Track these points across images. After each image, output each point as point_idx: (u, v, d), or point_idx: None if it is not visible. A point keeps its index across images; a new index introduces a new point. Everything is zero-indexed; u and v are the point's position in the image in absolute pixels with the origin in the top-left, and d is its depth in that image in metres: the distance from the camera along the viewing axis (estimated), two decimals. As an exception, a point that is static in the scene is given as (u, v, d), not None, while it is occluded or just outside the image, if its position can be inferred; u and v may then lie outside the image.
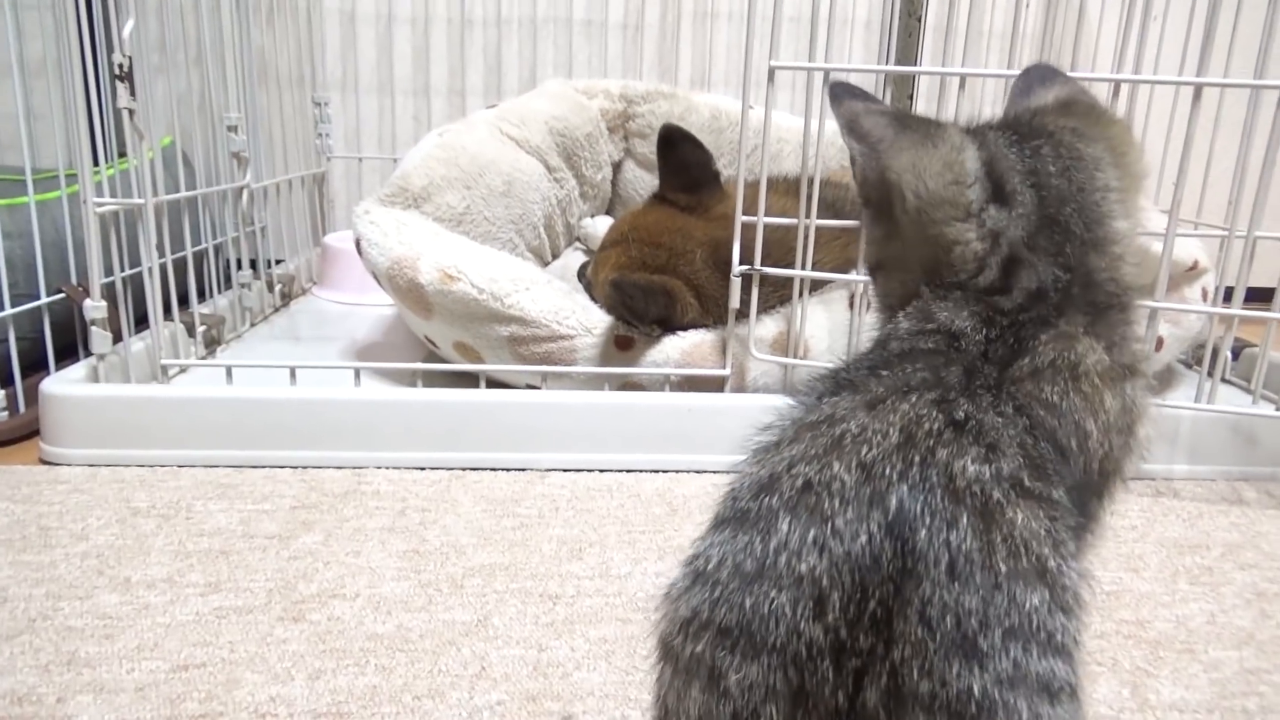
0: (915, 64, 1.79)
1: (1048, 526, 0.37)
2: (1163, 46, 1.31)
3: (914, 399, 0.39)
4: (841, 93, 0.52)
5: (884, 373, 0.41)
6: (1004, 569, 0.35)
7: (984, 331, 0.42)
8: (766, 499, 0.38)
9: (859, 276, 0.99)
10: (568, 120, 1.45)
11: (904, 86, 1.80)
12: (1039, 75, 0.53)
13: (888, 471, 0.36)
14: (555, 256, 1.49)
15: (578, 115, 1.47)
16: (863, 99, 0.51)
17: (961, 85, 0.96)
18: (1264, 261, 1.04)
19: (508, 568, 0.76)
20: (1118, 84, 0.90)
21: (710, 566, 0.38)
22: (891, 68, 1.80)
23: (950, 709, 0.34)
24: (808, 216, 0.97)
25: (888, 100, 1.82)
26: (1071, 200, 0.44)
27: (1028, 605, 0.35)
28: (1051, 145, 0.46)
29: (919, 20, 1.80)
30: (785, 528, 0.36)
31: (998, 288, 0.43)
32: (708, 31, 1.79)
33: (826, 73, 0.95)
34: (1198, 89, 0.92)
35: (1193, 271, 1.12)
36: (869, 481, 0.36)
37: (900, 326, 0.44)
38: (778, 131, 1.51)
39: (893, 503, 0.36)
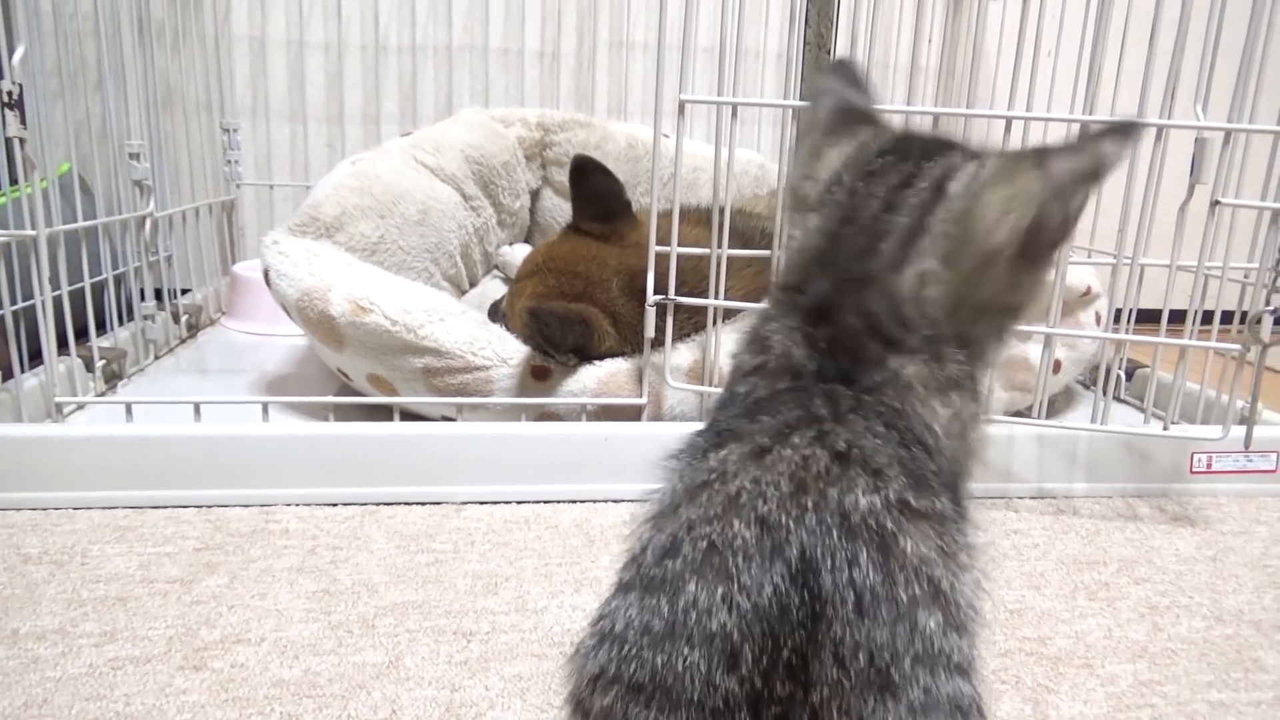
0: (826, 95, 1.84)
1: (937, 545, 0.37)
2: (1055, 81, 1.38)
3: (796, 440, 0.39)
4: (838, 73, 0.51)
5: (762, 418, 0.41)
6: (904, 597, 0.36)
7: (812, 353, 0.43)
8: (670, 563, 0.38)
9: (771, 305, 1.01)
10: (484, 148, 1.44)
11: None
12: None
13: (784, 520, 0.37)
14: (473, 285, 1.48)
15: (494, 143, 1.46)
16: (852, 86, 0.50)
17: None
18: (1152, 286, 1.09)
19: (421, 605, 0.75)
20: (1009, 120, 0.94)
21: (618, 628, 0.38)
22: (799, 103, 1.84)
23: None
24: (719, 246, 0.99)
25: (793, 133, 1.86)
26: (869, 225, 0.44)
27: (927, 629, 0.36)
28: (918, 167, 0.44)
29: (828, 53, 1.86)
30: (693, 588, 0.37)
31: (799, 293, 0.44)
32: (624, 61, 1.81)
33: (734, 106, 0.97)
34: (1084, 126, 0.97)
35: (1086, 297, 1.17)
36: (768, 534, 0.37)
37: (743, 359, 0.45)
38: (694, 160, 1.53)
39: (793, 551, 0.36)
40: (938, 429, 0.41)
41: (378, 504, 0.93)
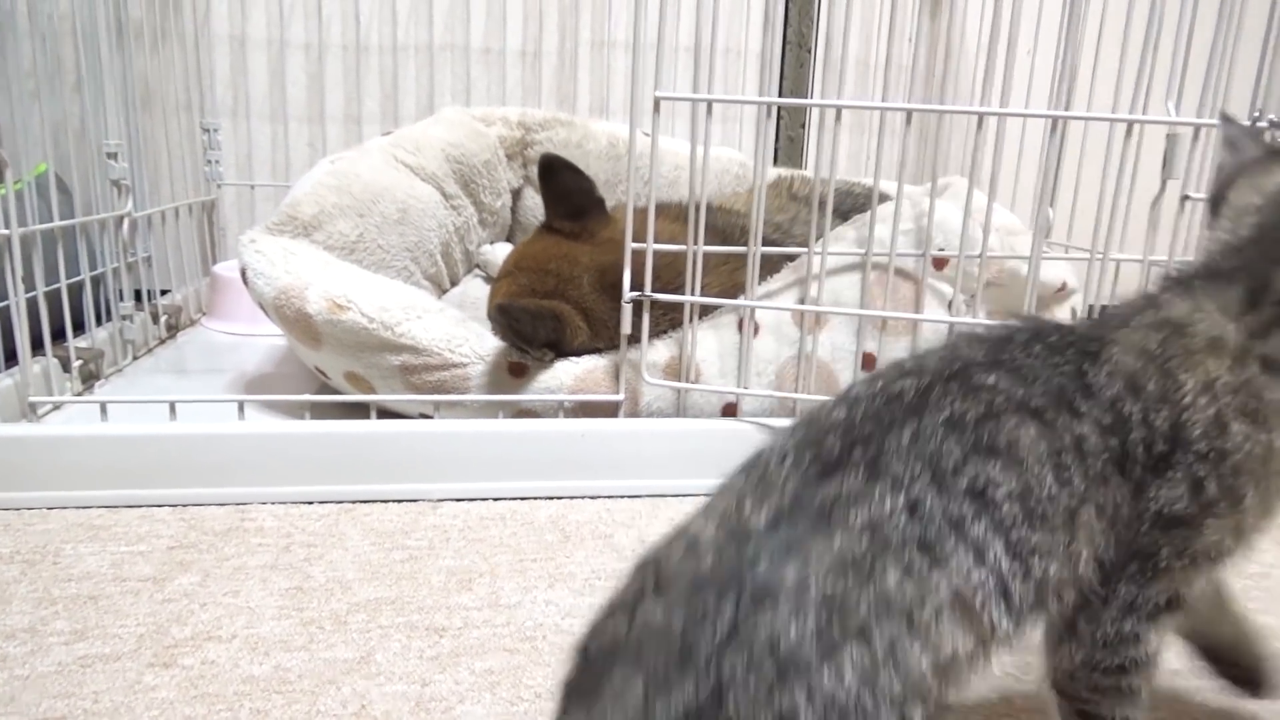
0: (808, 95, 1.85)
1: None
2: (1034, 79, 1.39)
3: None
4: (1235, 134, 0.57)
5: None
6: None
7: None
8: None
9: (747, 301, 1.01)
10: (465, 147, 1.44)
11: (797, 116, 1.86)
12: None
13: None
14: (454, 284, 1.48)
15: (475, 142, 1.46)
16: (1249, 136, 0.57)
17: (838, 117, 0.99)
18: (1128, 281, 1.10)
19: (394, 601, 0.75)
20: (981, 116, 0.95)
21: None
22: (775, 99, 1.85)
23: None
24: (695, 243, 0.99)
25: (776, 130, 1.87)
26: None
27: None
28: None
29: (808, 51, 1.86)
30: None
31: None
32: (605, 60, 1.81)
33: (709, 103, 0.97)
34: (1054, 121, 0.97)
35: (1061, 293, 1.18)
36: None
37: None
38: (675, 158, 1.54)
39: None
40: (1182, 380, 0.45)
41: (354, 501, 0.93)
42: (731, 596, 0.37)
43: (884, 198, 1.20)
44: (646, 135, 1.40)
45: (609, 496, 0.97)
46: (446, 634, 0.71)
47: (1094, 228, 1.04)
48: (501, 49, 1.77)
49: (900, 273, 1.04)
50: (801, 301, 1.03)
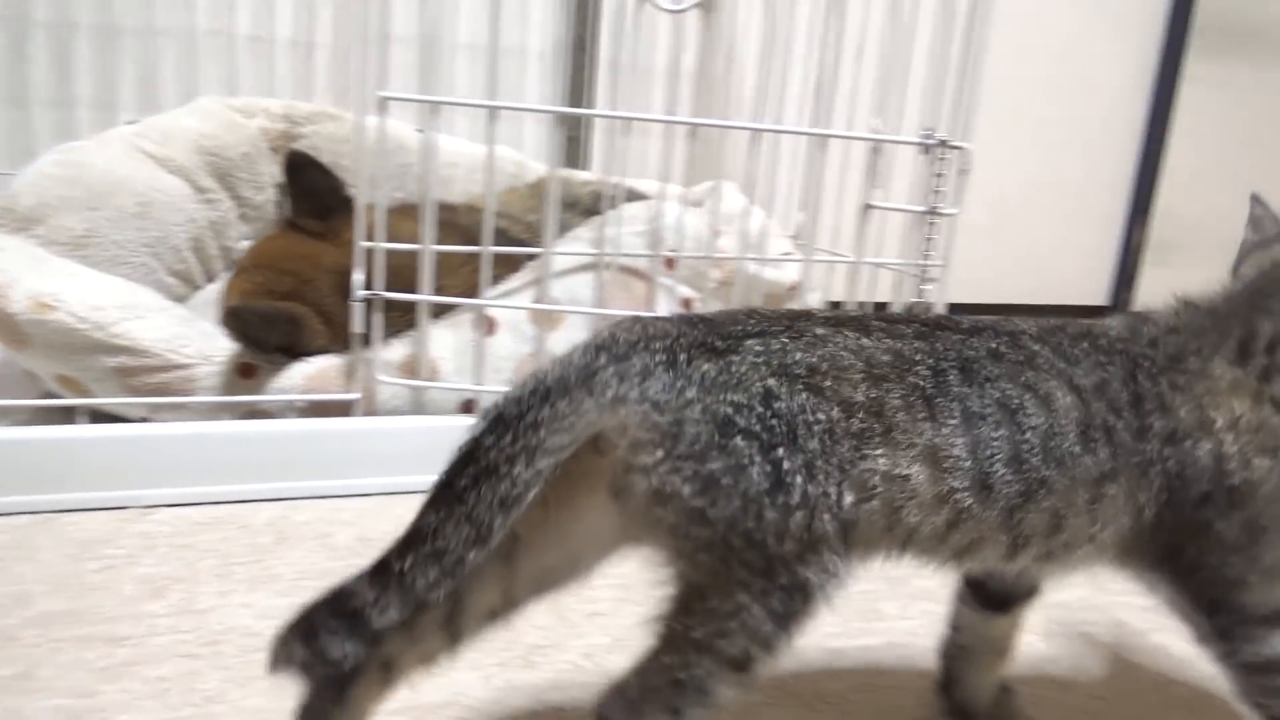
0: (585, 97, 1.89)
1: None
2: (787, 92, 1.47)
3: None
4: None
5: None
6: None
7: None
8: None
9: (479, 300, 1.03)
10: (220, 139, 1.39)
11: (574, 125, 1.89)
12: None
13: None
14: (211, 280, 1.43)
15: (232, 134, 1.41)
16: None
17: (626, 128, 1.03)
18: (883, 281, 1.19)
19: (75, 613, 0.73)
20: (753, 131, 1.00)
21: None
22: (501, 104, 1.87)
23: None
24: (429, 242, 1.00)
25: (560, 138, 1.89)
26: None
27: None
28: None
29: (586, 53, 1.90)
30: None
31: None
32: (382, 53, 1.78)
33: (436, 105, 0.98)
34: (759, 135, 1.04)
35: (793, 291, 1.26)
36: None
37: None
38: (450, 156, 1.53)
39: None
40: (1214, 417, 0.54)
41: (54, 511, 0.89)
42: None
43: (641, 198, 1.25)
44: (420, 132, 1.40)
45: (339, 496, 0.97)
46: (125, 644, 0.69)
47: (805, 229, 1.12)
48: (271, 38, 1.71)
49: (633, 272, 1.09)
50: (538, 301, 1.05)
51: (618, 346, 0.51)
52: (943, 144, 0.98)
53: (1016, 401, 0.52)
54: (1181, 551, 0.55)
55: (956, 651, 0.67)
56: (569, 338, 1.07)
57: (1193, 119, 2.34)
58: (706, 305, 1.13)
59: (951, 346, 0.54)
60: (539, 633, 0.74)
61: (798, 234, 1.39)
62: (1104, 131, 2.34)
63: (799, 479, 0.49)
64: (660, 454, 0.49)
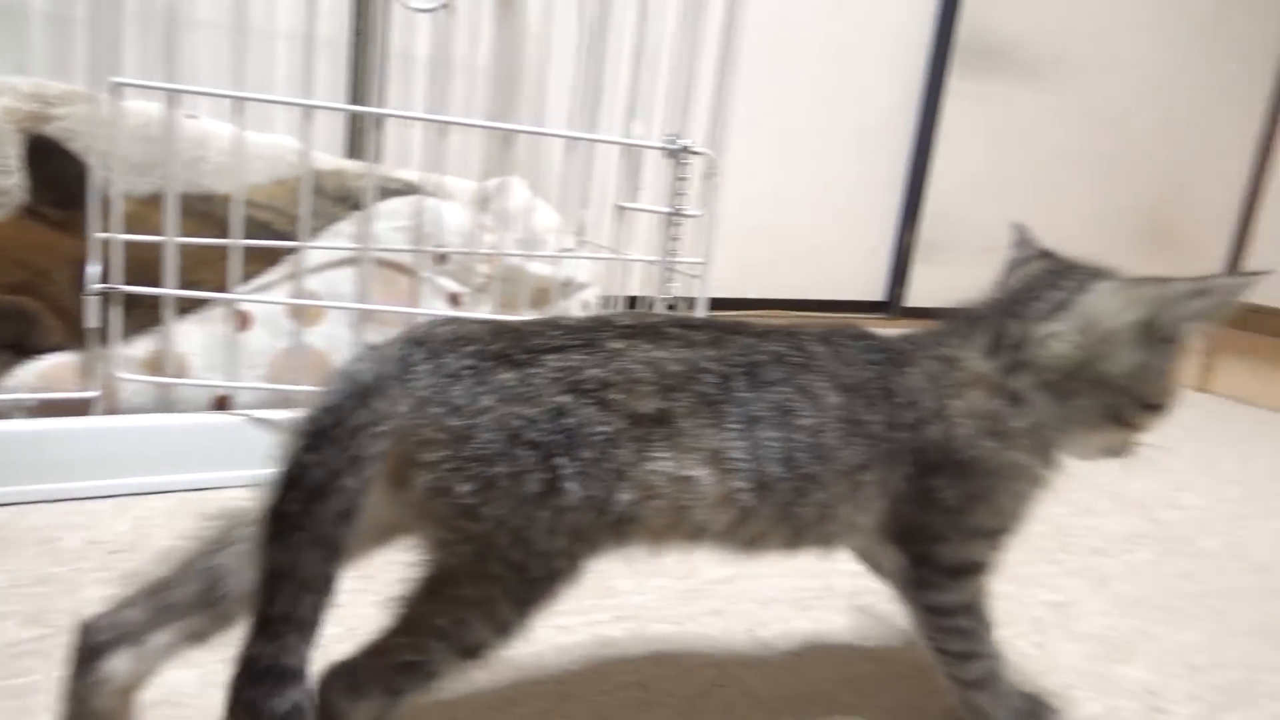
0: (375, 88, 1.86)
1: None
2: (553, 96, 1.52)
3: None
4: None
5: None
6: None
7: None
8: None
9: (232, 295, 1.02)
10: (-46, 120, 1.29)
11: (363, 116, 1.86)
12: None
13: None
14: (-54, 272, 1.32)
15: (-30, 115, 1.31)
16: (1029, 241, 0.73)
17: (379, 125, 1.02)
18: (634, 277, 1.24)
19: None
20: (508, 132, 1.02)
21: None
22: (245, 95, 1.83)
23: None
24: (178, 233, 0.97)
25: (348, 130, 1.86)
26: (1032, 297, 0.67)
27: None
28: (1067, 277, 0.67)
29: (369, 43, 1.87)
30: None
31: None
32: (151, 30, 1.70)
33: (172, 94, 0.96)
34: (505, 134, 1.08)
35: (569, 287, 1.31)
36: None
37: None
38: (226, 145, 1.48)
39: None
40: (952, 404, 0.62)
41: None
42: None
43: (413, 190, 1.25)
44: (193, 118, 1.35)
45: (73, 499, 0.93)
46: None
47: (578, 226, 1.16)
48: (24, 10, 1.59)
49: (398, 267, 1.10)
50: (296, 296, 1.05)
51: (433, 343, 0.53)
52: (685, 149, 1.04)
53: (792, 404, 0.58)
54: (908, 515, 0.63)
55: None
56: (329, 333, 1.07)
57: (955, 130, 2.56)
58: (475, 300, 1.15)
59: (741, 351, 0.59)
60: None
61: (580, 231, 1.44)
62: (878, 139, 2.53)
63: (573, 485, 0.53)
64: (447, 453, 0.51)
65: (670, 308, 1.26)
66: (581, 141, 1.21)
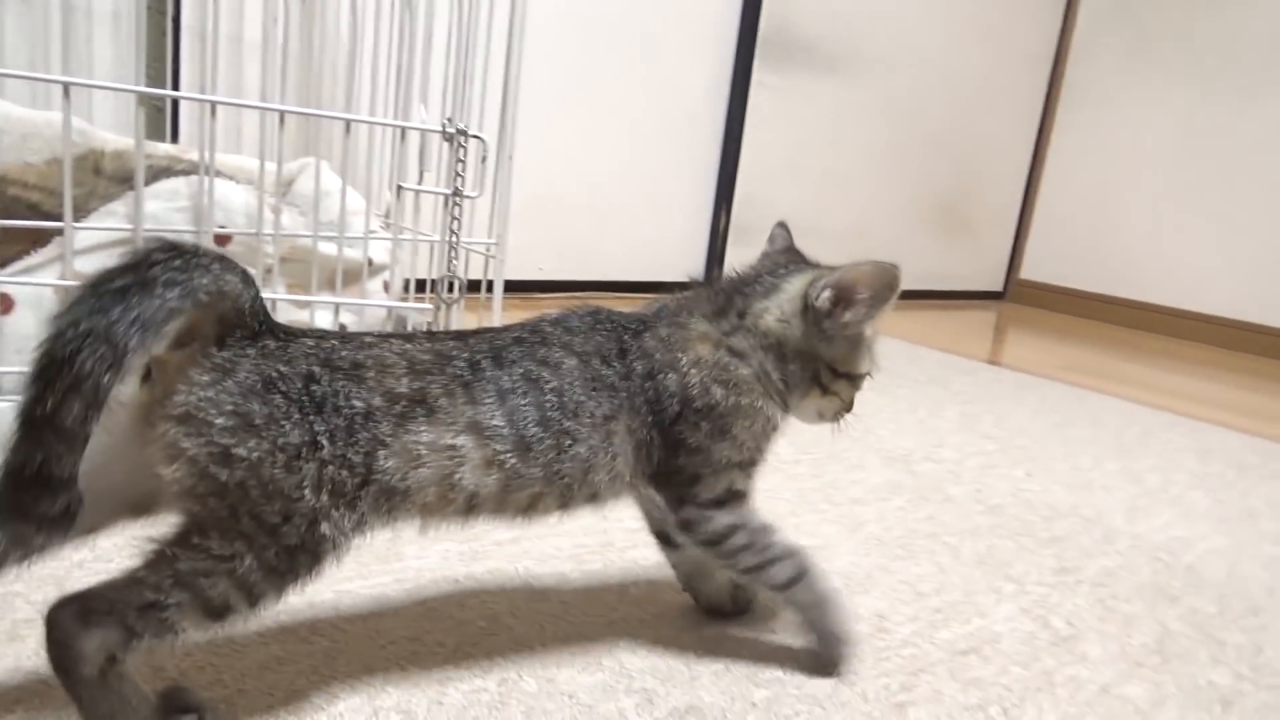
0: (169, 73, 1.79)
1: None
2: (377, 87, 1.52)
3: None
4: None
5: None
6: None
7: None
8: None
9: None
10: None
11: (154, 84, 1.79)
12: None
13: None
14: None
15: None
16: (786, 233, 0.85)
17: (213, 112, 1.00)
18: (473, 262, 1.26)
19: None
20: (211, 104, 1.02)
21: None
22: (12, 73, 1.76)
23: None
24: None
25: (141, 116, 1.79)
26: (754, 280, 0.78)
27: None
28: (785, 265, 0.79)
29: (171, 20, 1.81)
30: None
31: None
32: (-91, 2, 1.58)
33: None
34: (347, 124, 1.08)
35: (371, 268, 1.32)
36: None
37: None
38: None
39: None
40: (681, 356, 0.71)
41: None
42: None
43: (220, 175, 1.23)
44: None
45: None
46: None
47: (373, 207, 1.17)
48: None
49: (178, 248, 1.08)
50: (63, 277, 1.02)
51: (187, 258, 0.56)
52: (461, 133, 1.08)
53: (535, 374, 0.66)
54: (662, 461, 0.71)
55: (684, 580, 0.84)
56: (105, 315, 1.05)
57: (763, 119, 2.70)
58: (264, 282, 1.15)
59: (483, 341, 0.67)
60: (31, 607, 0.74)
61: (387, 214, 1.45)
62: (691, 127, 2.63)
63: (330, 444, 0.58)
64: (207, 380, 0.56)
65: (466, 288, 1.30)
66: (386, 126, 1.23)
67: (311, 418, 0.57)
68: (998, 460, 1.45)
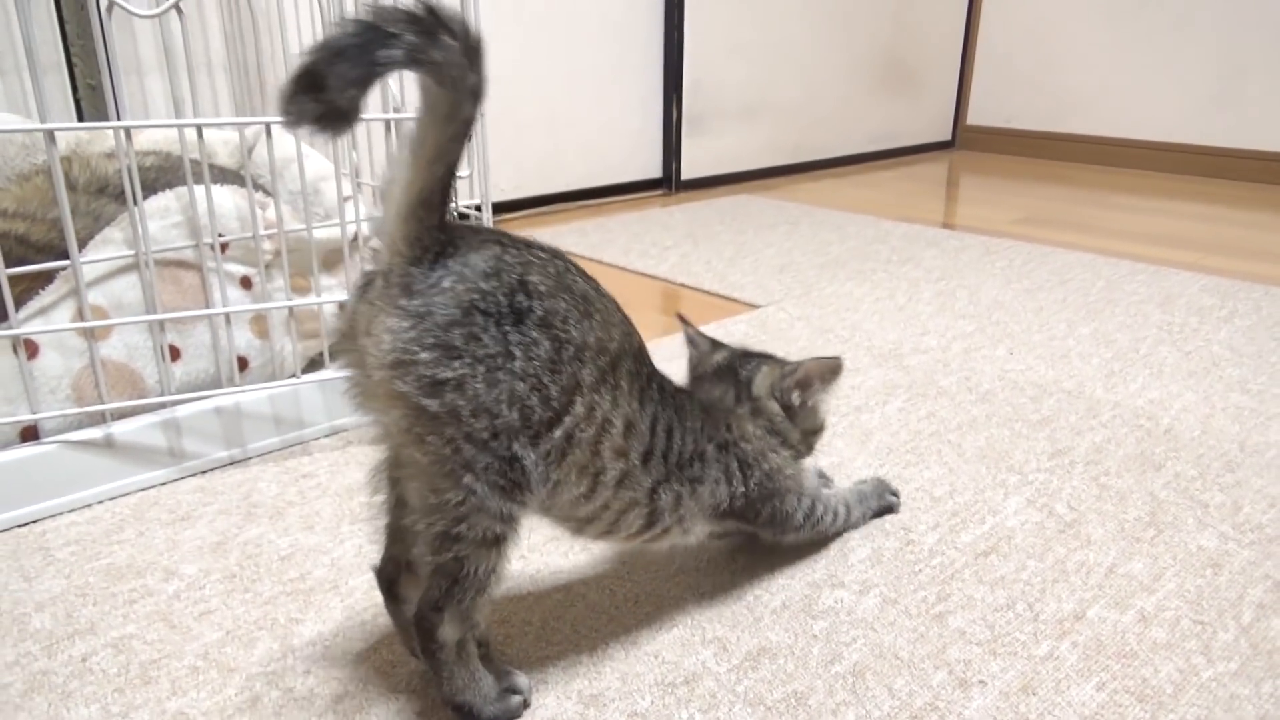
0: (97, 42, 1.71)
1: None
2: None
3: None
4: None
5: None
6: None
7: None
8: None
9: (13, 331, 0.99)
10: None
11: (91, 61, 1.72)
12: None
13: None
14: None
15: None
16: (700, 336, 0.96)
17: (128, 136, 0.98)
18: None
19: None
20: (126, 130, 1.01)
21: None
22: None
23: None
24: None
25: (72, 79, 1.71)
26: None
27: None
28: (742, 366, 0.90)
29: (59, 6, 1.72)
30: None
31: None
32: None
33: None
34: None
35: (355, 244, 1.33)
36: None
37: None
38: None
39: None
40: (743, 430, 0.85)
41: None
42: None
43: (170, 162, 1.22)
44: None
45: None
46: None
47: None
48: None
49: (179, 264, 1.09)
50: (79, 313, 1.03)
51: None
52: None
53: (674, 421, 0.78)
54: (757, 509, 0.85)
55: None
56: (126, 342, 1.07)
57: (702, 2, 2.65)
58: (268, 278, 1.17)
59: (660, 373, 0.79)
60: (149, 648, 0.80)
61: (356, 174, 1.44)
62: (630, 19, 2.57)
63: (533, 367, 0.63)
64: (409, 323, 0.60)
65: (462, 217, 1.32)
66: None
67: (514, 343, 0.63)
68: (979, 341, 1.54)
